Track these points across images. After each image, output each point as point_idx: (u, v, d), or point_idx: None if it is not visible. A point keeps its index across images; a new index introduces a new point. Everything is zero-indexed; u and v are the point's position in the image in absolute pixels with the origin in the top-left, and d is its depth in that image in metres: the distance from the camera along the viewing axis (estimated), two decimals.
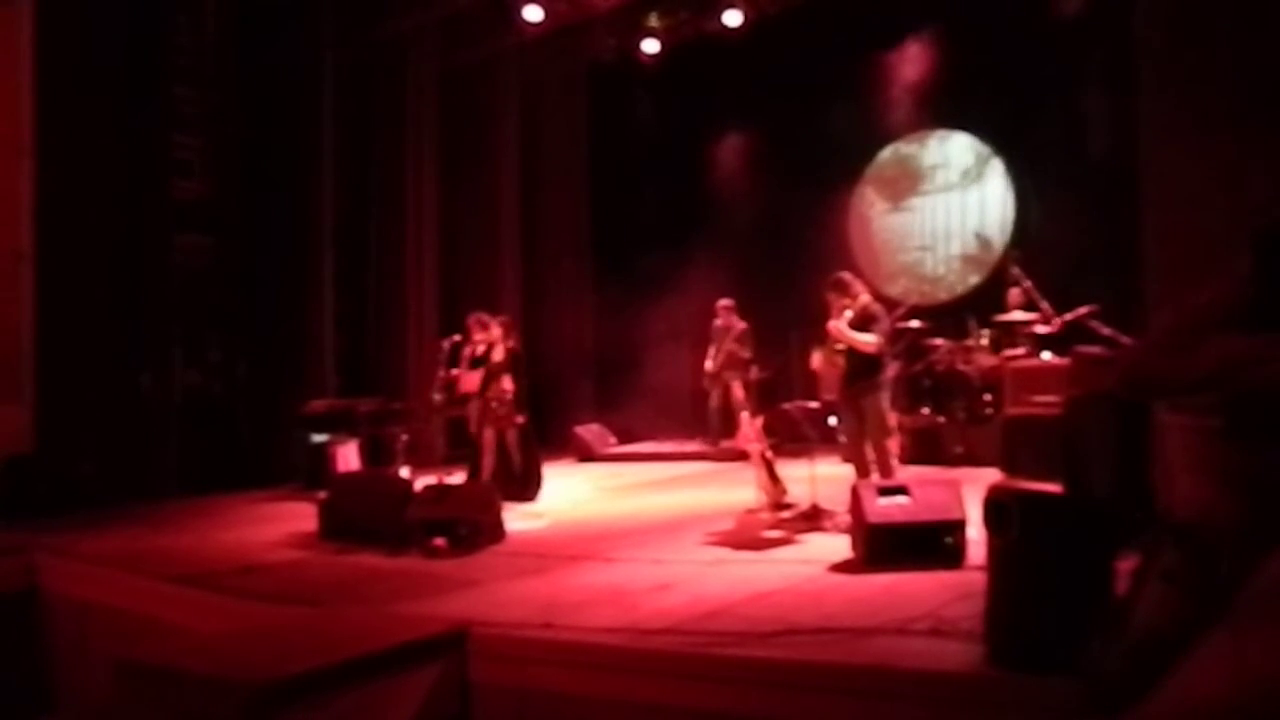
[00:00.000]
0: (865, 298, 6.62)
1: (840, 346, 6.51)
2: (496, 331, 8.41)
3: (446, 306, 12.63)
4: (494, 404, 8.25)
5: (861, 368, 6.52)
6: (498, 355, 8.35)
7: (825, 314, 6.72)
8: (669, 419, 12.31)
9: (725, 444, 10.97)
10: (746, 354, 10.52)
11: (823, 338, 6.69)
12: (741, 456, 9.52)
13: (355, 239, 12.41)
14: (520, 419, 8.36)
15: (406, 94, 12.35)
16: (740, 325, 10.65)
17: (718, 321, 10.81)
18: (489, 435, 8.29)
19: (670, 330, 12.68)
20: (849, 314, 6.50)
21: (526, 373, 8.46)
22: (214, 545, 7.07)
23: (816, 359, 6.72)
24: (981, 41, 10.89)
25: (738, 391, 10.67)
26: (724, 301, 10.83)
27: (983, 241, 9.44)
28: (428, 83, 12.55)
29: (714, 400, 10.84)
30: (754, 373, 7.94)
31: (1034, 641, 3.40)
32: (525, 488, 8.37)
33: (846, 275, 6.80)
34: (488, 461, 8.30)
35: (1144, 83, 6.73)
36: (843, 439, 7.09)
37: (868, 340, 6.45)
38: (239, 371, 11.51)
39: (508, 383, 8.27)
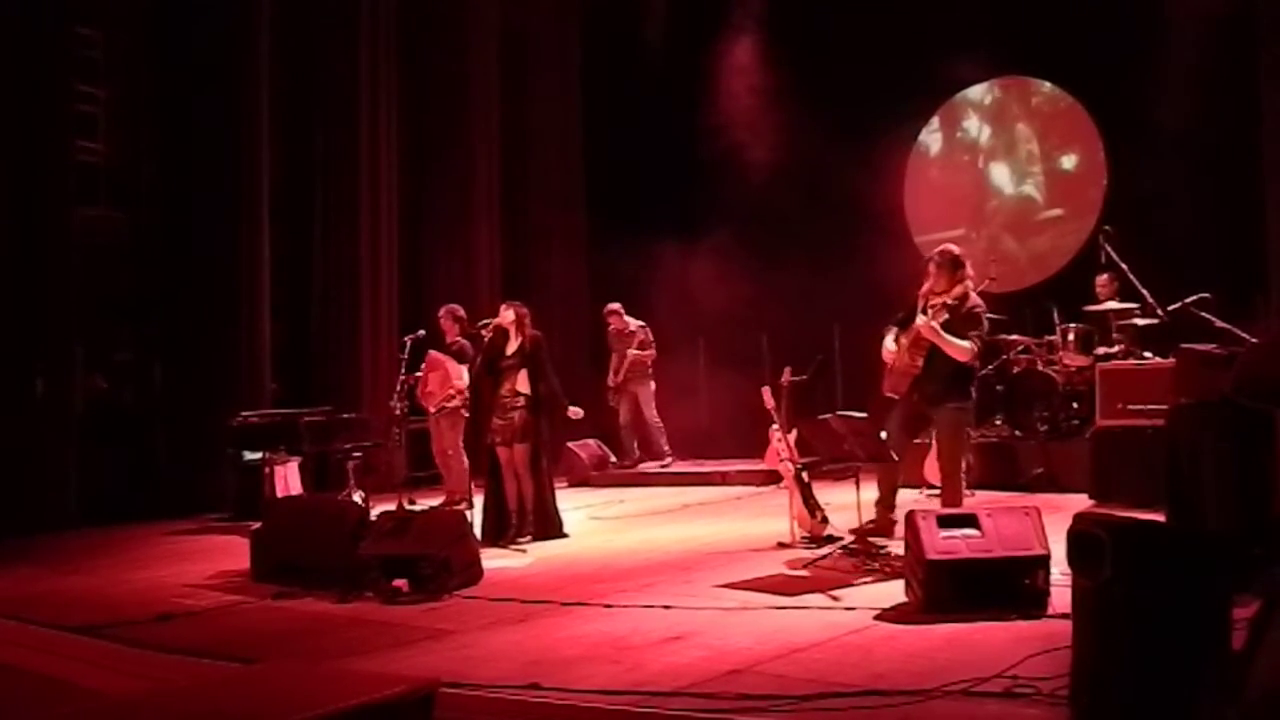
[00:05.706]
0: (967, 286, 6.55)
1: (924, 342, 6.47)
2: (509, 315, 8.38)
3: (409, 294, 12.66)
4: (505, 411, 8.27)
5: (946, 379, 6.48)
6: (511, 348, 8.35)
7: (918, 287, 6.63)
8: (682, 432, 12.31)
9: (646, 465, 11.97)
10: (651, 353, 11.81)
11: (903, 321, 6.63)
12: (771, 479, 9.56)
13: (297, 213, 12.44)
14: (572, 411, 8.43)
15: (360, 33, 12.37)
16: (634, 327, 11.85)
17: (610, 328, 12.04)
18: (504, 455, 8.29)
19: (684, 321, 12.69)
20: (946, 305, 6.40)
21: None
22: (124, 587, 7.07)
23: (889, 350, 6.65)
24: None
25: (648, 399, 11.71)
26: (612, 306, 12.01)
27: (1109, 237, 9.42)
28: (386, 16, 12.58)
29: (623, 415, 11.98)
30: (786, 375, 7.92)
31: (1131, 705, 3.41)
32: (545, 517, 8.30)
33: (960, 252, 6.73)
34: (510, 488, 8.30)
35: (1267, 29, 6.69)
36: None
37: (963, 346, 6.39)
38: (154, 375, 11.54)
39: (523, 382, 8.25)
